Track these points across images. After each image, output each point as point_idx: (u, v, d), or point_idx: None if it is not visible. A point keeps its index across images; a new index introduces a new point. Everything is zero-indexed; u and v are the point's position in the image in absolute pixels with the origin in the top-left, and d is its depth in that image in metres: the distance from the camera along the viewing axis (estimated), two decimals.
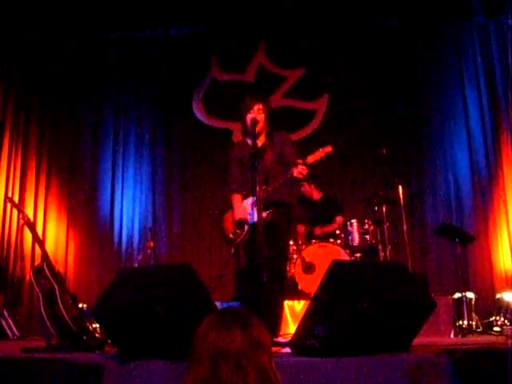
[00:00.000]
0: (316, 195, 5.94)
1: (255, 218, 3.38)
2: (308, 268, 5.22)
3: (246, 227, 3.67)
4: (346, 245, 5.44)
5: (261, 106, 3.75)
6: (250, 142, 3.63)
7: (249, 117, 3.71)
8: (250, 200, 3.66)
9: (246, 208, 3.70)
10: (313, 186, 5.91)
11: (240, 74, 7.13)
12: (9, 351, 3.56)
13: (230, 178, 3.88)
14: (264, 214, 3.45)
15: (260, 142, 3.75)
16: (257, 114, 3.72)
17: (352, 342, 2.56)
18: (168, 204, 6.93)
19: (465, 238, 5.22)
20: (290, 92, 7.02)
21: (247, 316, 1.52)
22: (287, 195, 3.74)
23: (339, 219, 5.72)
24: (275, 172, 3.67)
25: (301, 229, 5.79)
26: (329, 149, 3.63)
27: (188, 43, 7.07)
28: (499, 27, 6.61)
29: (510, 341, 3.22)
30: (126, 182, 6.96)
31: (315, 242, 5.39)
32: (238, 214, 3.72)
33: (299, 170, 3.52)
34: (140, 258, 6.17)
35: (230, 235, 3.75)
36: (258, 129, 3.67)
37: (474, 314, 4.99)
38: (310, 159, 3.58)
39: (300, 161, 3.56)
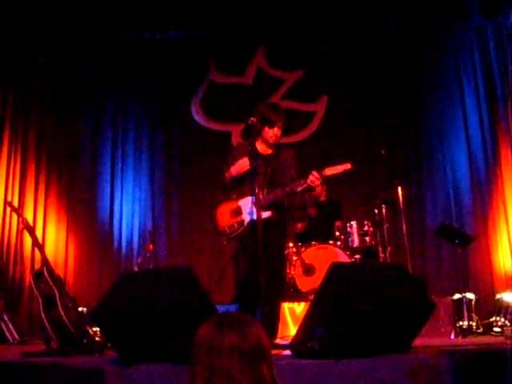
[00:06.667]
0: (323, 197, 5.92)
1: (255, 217, 3.40)
2: (308, 270, 5.21)
3: (246, 220, 3.68)
4: (346, 246, 5.43)
5: (282, 123, 3.81)
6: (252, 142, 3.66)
7: (269, 131, 3.76)
8: (251, 198, 3.67)
9: (246, 161, 3.65)
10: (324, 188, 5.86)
11: (238, 76, 7.14)
12: (9, 355, 3.56)
13: (229, 162, 3.85)
14: (265, 214, 3.51)
15: (268, 150, 3.85)
16: (278, 131, 3.79)
17: (352, 344, 2.56)
18: (167, 207, 6.91)
19: (464, 239, 5.21)
20: (289, 94, 7.00)
21: (244, 322, 1.42)
22: (286, 200, 3.83)
23: (338, 224, 5.67)
24: (276, 182, 3.74)
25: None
26: (348, 166, 3.59)
27: (186, 46, 7.06)
28: (496, 27, 6.62)
29: (510, 341, 3.22)
30: (125, 185, 6.94)
31: (315, 244, 5.38)
32: (242, 166, 3.68)
33: (313, 180, 3.56)
34: (140, 261, 6.16)
35: (226, 229, 3.74)
36: (273, 140, 3.80)
37: (474, 315, 4.99)
38: (328, 172, 3.59)
39: (315, 172, 3.57)
